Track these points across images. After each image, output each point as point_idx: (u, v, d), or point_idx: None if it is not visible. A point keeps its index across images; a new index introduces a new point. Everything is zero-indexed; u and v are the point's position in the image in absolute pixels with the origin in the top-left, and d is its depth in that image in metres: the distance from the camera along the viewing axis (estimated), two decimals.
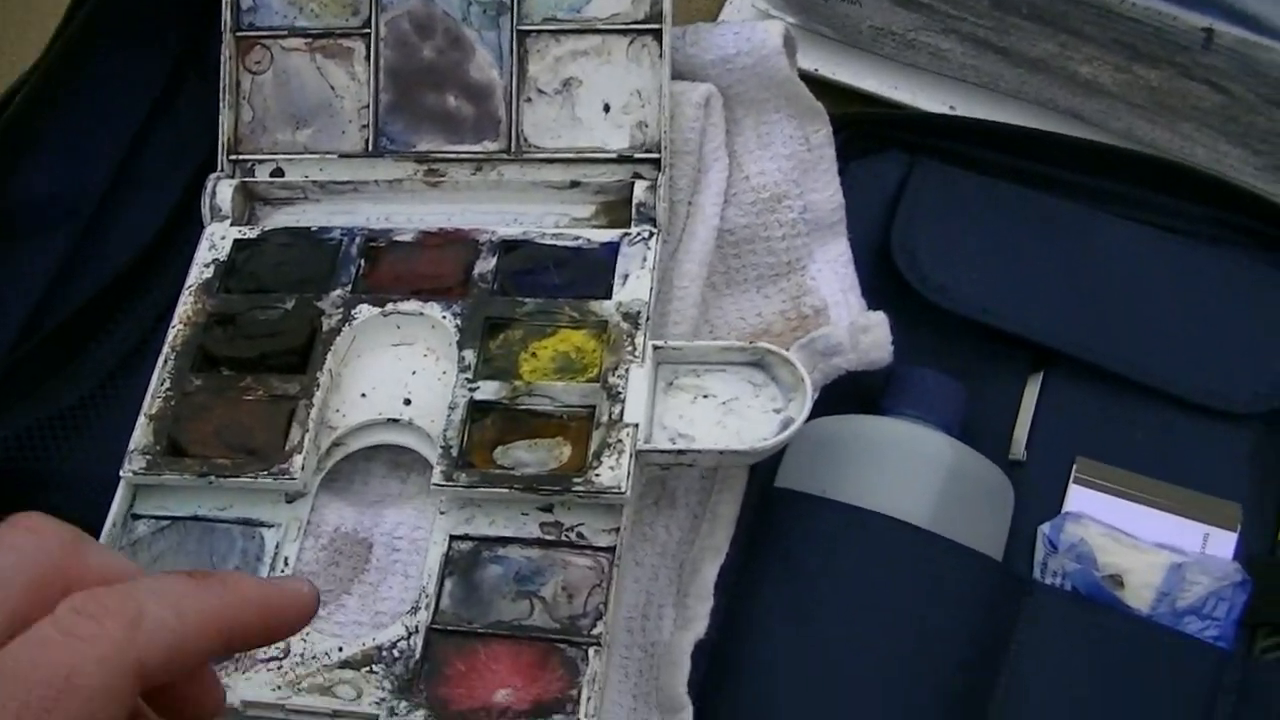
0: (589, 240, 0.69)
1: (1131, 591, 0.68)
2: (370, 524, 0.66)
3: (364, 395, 0.67)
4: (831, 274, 0.72)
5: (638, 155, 0.71)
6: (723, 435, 0.64)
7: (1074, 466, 0.72)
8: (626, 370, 0.65)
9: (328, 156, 0.73)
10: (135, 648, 0.43)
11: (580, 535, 0.63)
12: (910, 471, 0.68)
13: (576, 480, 0.62)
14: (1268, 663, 0.67)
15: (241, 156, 0.73)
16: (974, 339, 0.74)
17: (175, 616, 0.44)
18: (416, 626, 0.61)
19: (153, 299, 0.73)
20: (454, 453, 0.63)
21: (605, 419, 0.63)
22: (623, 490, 0.62)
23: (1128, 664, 0.66)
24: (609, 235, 0.69)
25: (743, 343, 0.65)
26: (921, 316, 0.74)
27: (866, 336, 0.69)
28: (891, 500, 0.66)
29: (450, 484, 0.63)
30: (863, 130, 0.78)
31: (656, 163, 0.70)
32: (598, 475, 0.62)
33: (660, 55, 0.70)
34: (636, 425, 0.63)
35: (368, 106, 0.73)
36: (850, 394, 0.70)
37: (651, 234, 0.69)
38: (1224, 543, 0.70)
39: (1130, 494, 0.71)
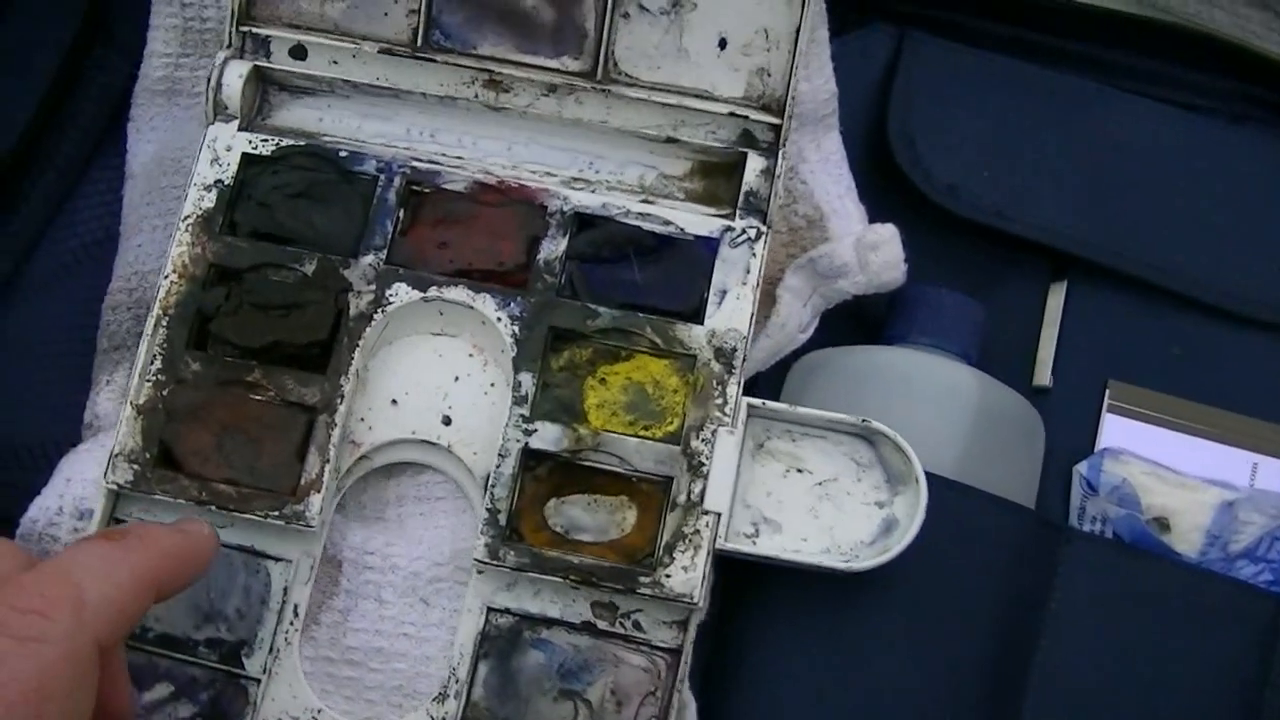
0: (681, 229, 0.56)
1: (1179, 535, 0.62)
2: (338, 536, 0.56)
3: (395, 403, 0.56)
4: (825, 175, 0.62)
5: (753, 113, 0.56)
6: (814, 529, 0.54)
7: (1106, 391, 0.65)
8: (714, 434, 0.54)
9: (364, 45, 0.58)
10: (89, 630, 0.44)
11: (638, 626, 0.54)
12: (929, 410, 0.60)
13: (643, 579, 0.53)
14: None
15: (255, 28, 0.58)
16: (986, 246, 0.67)
17: (113, 587, 0.46)
18: (443, 717, 0.54)
19: (22, 220, 0.62)
20: (501, 520, 0.54)
21: (683, 499, 0.54)
22: (695, 601, 0.53)
23: (1178, 616, 0.59)
24: (707, 225, 0.57)
25: (851, 417, 0.54)
26: (924, 220, 0.64)
27: (877, 255, 0.60)
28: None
29: (496, 563, 0.53)
30: None
31: (774, 128, 0.56)
32: (669, 576, 0.53)
33: None
34: (719, 516, 0.53)
35: None
36: (850, 317, 0.62)
37: (760, 234, 0.56)
38: (1275, 472, 0.64)
39: (1169, 420, 0.64)
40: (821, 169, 0.61)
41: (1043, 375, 0.65)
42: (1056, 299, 0.66)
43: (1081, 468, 0.63)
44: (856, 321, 0.63)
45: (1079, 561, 0.59)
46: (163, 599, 0.49)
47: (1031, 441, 0.62)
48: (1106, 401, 0.64)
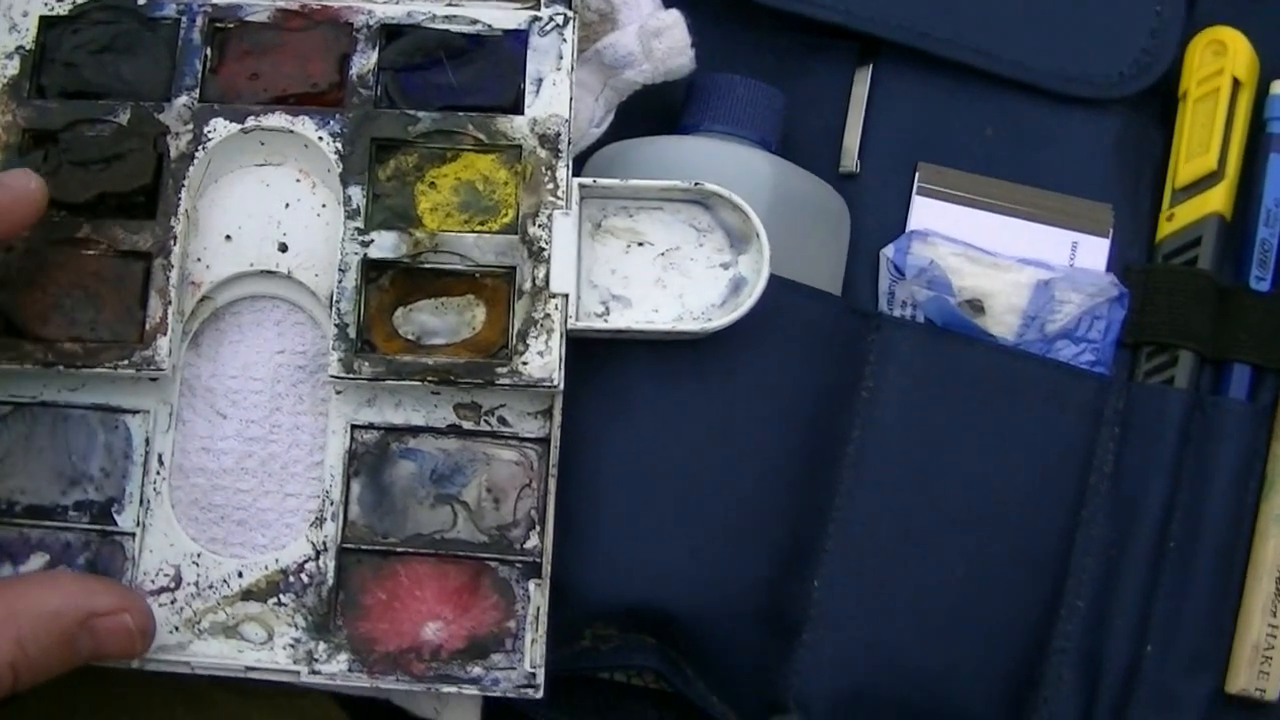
0: (489, 26, 0.56)
1: (994, 317, 0.61)
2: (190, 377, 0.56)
3: (229, 238, 0.56)
4: None
5: None
6: (664, 299, 0.55)
7: (915, 174, 0.63)
8: (550, 218, 0.54)
9: None
10: None
11: (503, 421, 0.54)
12: None
13: (501, 370, 0.53)
14: (1153, 387, 0.61)
15: None
16: (787, 33, 0.65)
17: None
18: (324, 543, 0.54)
19: None
20: (351, 332, 0.53)
21: (529, 285, 0.54)
22: (555, 384, 0.53)
23: (996, 401, 0.59)
24: (514, 19, 0.57)
25: (684, 182, 0.54)
26: (724, 11, 0.63)
27: (661, 41, 0.59)
28: None
29: (352, 376, 0.53)
30: None
31: None
32: (525, 364, 0.53)
33: None
34: (566, 296, 0.53)
35: None
36: (648, 109, 0.61)
37: (567, 19, 0.56)
38: (1095, 251, 0.63)
39: (984, 202, 0.63)
40: None
41: (849, 161, 0.63)
42: (862, 84, 0.64)
43: (888, 251, 0.62)
44: (658, 114, 0.62)
45: (887, 347, 0.59)
46: None
47: (836, 227, 0.61)
48: (916, 184, 0.63)
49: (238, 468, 0.55)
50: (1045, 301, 0.61)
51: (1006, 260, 0.62)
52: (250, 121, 0.55)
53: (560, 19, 0.56)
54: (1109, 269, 0.62)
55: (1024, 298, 0.61)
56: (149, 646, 0.52)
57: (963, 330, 0.61)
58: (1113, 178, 0.64)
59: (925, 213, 0.63)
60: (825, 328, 0.58)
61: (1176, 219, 0.63)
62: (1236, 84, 0.63)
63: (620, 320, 0.54)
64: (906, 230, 0.62)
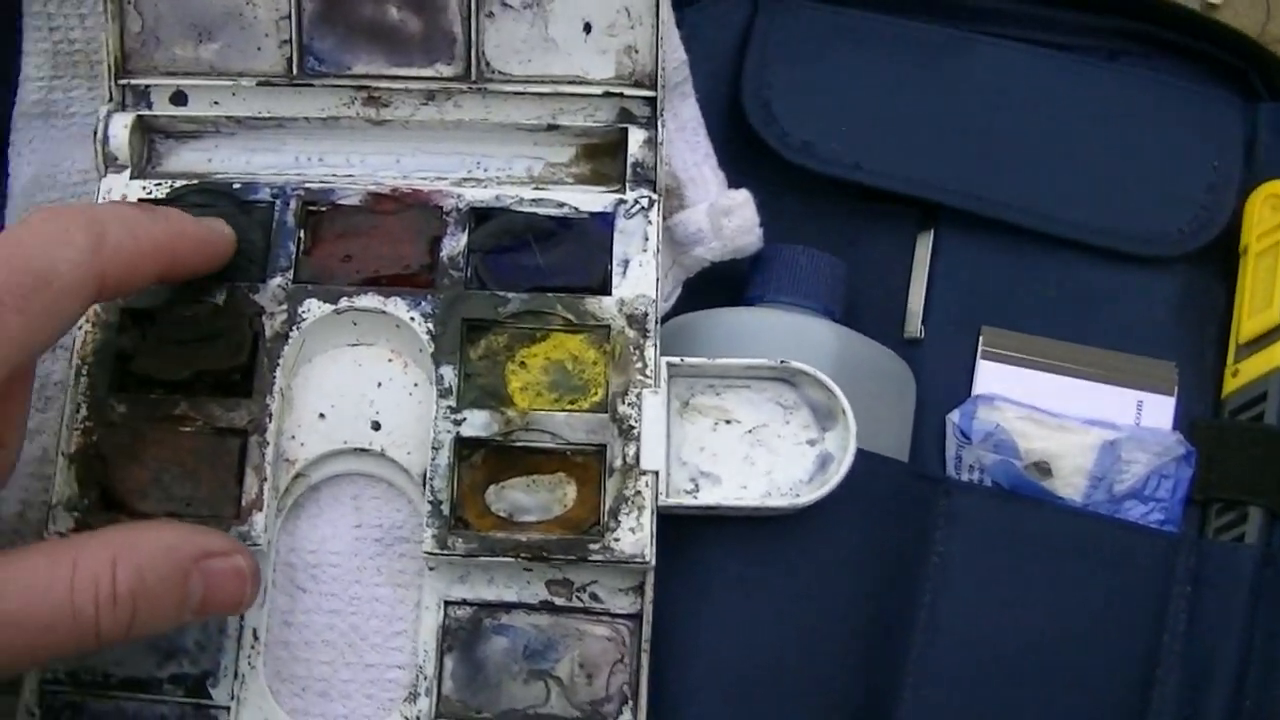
0: (576, 208, 0.58)
1: (1061, 479, 0.62)
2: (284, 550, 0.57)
3: (322, 416, 0.57)
4: (682, 144, 0.62)
5: (627, 90, 0.58)
6: (752, 476, 0.56)
7: (980, 338, 0.64)
8: (639, 397, 0.55)
9: (241, 81, 0.59)
10: (100, 260, 0.49)
11: (595, 597, 0.55)
12: None
13: (593, 546, 0.54)
14: (1223, 544, 0.61)
15: (133, 80, 0.59)
16: (850, 202, 0.66)
17: (132, 239, 0.50)
18: (418, 719, 0.54)
19: None
20: (445, 510, 0.54)
21: (619, 463, 0.55)
22: (647, 560, 0.54)
23: (1066, 562, 0.59)
24: (600, 201, 0.58)
25: (769, 360, 0.56)
26: (785, 181, 0.65)
27: (730, 220, 0.60)
28: None
29: (446, 553, 0.54)
30: None
31: (649, 101, 0.58)
32: (617, 540, 0.54)
33: None
34: (656, 473, 0.54)
35: (288, 16, 0.58)
36: (711, 279, 0.62)
37: (652, 201, 0.58)
38: (1161, 410, 0.63)
39: (1047, 364, 0.63)
40: (678, 137, 0.62)
41: (913, 326, 0.64)
42: (924, 249, 0.65)
43: (954, 416, 0.62)
44: (722, 285, 0.63)
45: (956, 511, 0.60)
46: (170, 279, 0.55)
47: (901, 394, 0.62)
48: (980, 348, 0.64)
49: (318, 640, 0.56)
50: (1112, 462, 0.61)
51: (1072, 422, 0.62)
52: (344, 302, 0.57)
53: (645, 201, 0.58)
54: (1175, 426, 0.63)
55: (1090, 459, 0.62)
56: (256, 597, 0.53)
57: (1030, 493, 0.61)
58: (1176, 334, 0.64)
59: (990, 376, 0.63)
60: (895, 494, 0.59)
61: (1241, 374, 0.64)
62: None
63: (709, 497, 0.55)
64: (972, 394, 0.63)
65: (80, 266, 0.48)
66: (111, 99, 0.59)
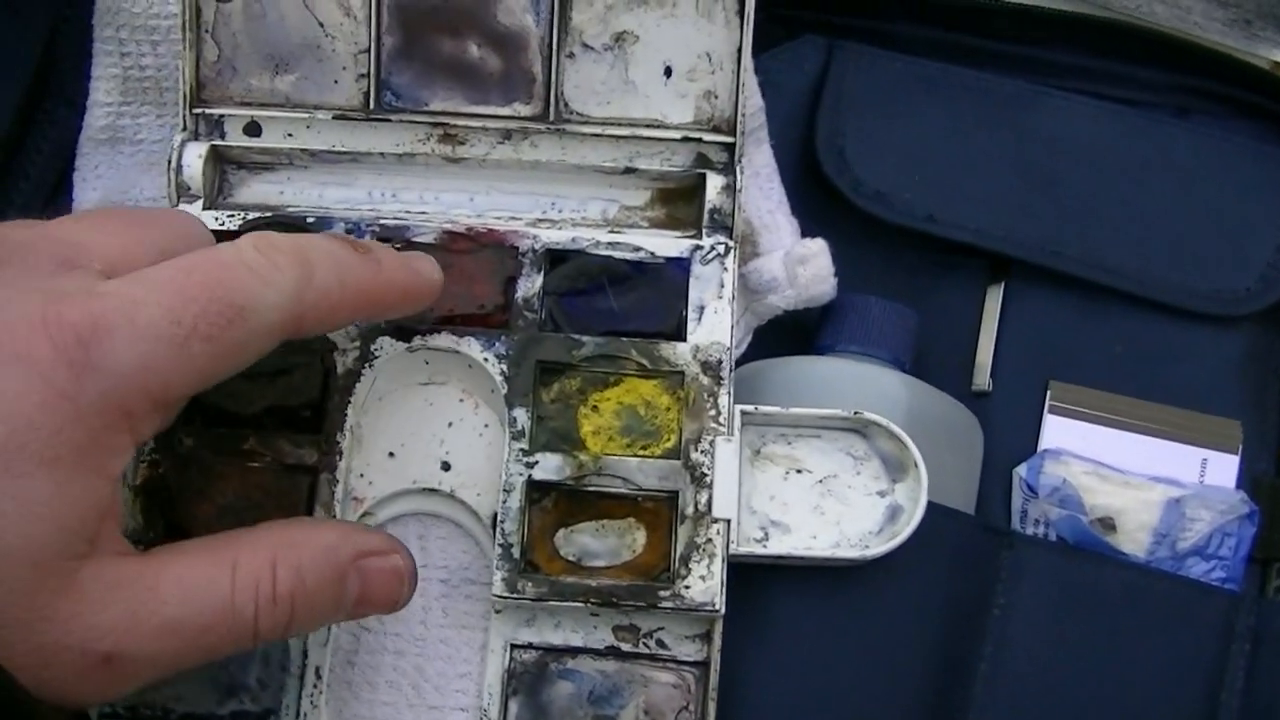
0: (652, 254, 0.58)
1: (1125, 535, 0.62)
2: None
3: (392, 455, 0.57)
4: (756, 191, 0.63)
5: (705, 136, 0.58)
6: (822, 526, 0.56)
7: (1048, 393, 0.64)
8: (712, 444, 0.55)
9: (317, 114, 0.59)
10: (301, 304, 0.46)
11: (661, 644, 0.55)
12: None
13: (663, 593, 0.54)
14: None
15: (208, 109, 0.59)
16: (919, 252, 0.67)
17: (338, 285, 0.48)
18: None
19: None
20: (515, 553, 0.54)
21: (691, 510, 0.54)
22: (717, 609, 0.53)
23: (1127, 618, 0.59)
24: (676, 247, 0.58)
25: (843, 411, 0.56)
26: (857, 230, 0.65)
27: (806, 269, 0.61)
28: None
29: (516, 596, 0.54)
30: (771, 13, 0.67)
31: (728, 147, 0.58)
32: (687, 588, 0.54)
33: (740, 8, 0.57)
34: (729, 522, 0.54)
35: (367, 51, 0.58)
36: (782, 327, 0.63)
37: (729, 249, 0.58)
38: (1225, 468, 0.63)
39: (1114, 419, 0.64)
40: (752, 184, 0.62)
41: (981, 379, 0.65)
42: (994, 301, 0.66)
43: (1021, 470, 0.63)
44: (791, 333, 0.63)
45: (1020, 565, 0.59)
46: (368, 319, 0.54)
47: (969, 446, 0.62)
48: (1048, 402, 0.64)
49: (381, 681, 0.56)
50: (1176, 519, 0.62)
51: (1137, 478, 0.63)
52: (416, 340, 0.57)
53: (722, 248, 0.58)
54: (1239, 484, 0.63)
55: (1155, 516, 0.62)
56: (411, 597, 0.52)
57: (1095, 548, 0.61)
58: (1241, 392, 0.65)
59: (1057, 430, 0.64)
60: (961, 547, 0.59)
61: None
62: None
63: (779, 546, 0.55)
64: (1039, 448, 0.63)
65: (280, 309, 0.46)
66: (185, 128, 0.59)
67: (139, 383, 0.44)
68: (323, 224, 0.58)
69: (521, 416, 0.56)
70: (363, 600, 0.50)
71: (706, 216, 0.58)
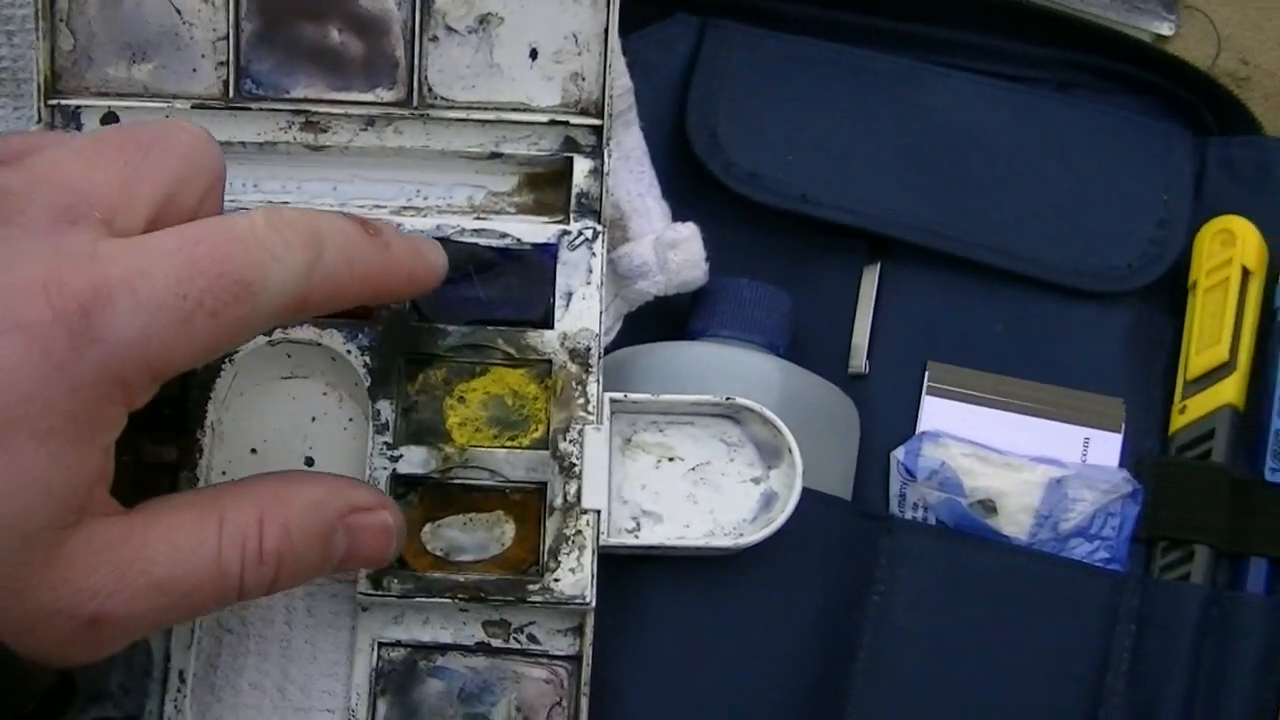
0: (519, 240, 0.57)
1: (1006, 517, 0.61)
2: None
3: (254, 451, 0.55)
4: (626, 174, 0.61)
5: (572, 119, 0.57)
6: (695, 515, 0.55)
7: (925, 374, 0.63)
8: (581, 434, 0.54)
9: (175, 104, 0.57)
10: (308, 284, 0.45)
11: (532, 639, 0.54)
12: None
13: (532, 586, 0.53)
14: (1169, 583, 0.61)
15: (64, 100, 0.57)
16: (796, 234, 0.65)
17: (347, 268, 0.46)
18: None
19: None
20: None
21: (560, 501, 0.53)
22: (587, 601, 0.52)
23: (1010, 601, 0.59)
24: (543, 233, 0.57)
25: (715, 397, 0.55)
26: (731, 213, 0.64)
27: (677, 254, 0.60)
28: None
29: (381, 594, 0.53)
30: None
31: (595, 129, 0.57)
32: (557, 580, 0.53)
33: None
34: (599, 513, 0.53)
35: (225, 38, 0.57)
36: (652, 313, 0.61)
37: (596, 234, 0.56)
38: (1108, 446, 0.63)
39: (994, 400, 0.63)
40: (622, 167, 0.61)
41: (858, 361, 0.64)
42: (870, 283, 0.64)
43: (899, 453, 0.62)
44: (662, 318, 0.62)
45: (899, 550, 0.59)
46: (372, 303, 0.53)
47: (845, 430, 0.61)
48: (926, 384, 0.63)
49: (245, 684, 0.55)
50: (1058, 500, 0.61)
51: (1018, 459, 0.62)
52: (278, 334, 0.55)
53: (590, 233, 0.56)
54: (1122, 463, 0.62)
55: (1036, 497, 0.61)
56: (398, 552, 0.51)
57: (975, 531, 0.61)
58: (1124, 371, 0.64)
59: (936, 412, 0.63)
60: (838, 533, 0.58)
61: (1189, 411, 0.63)
62: (1246, 273, 0.64)
63: (651, 536, 0.54)
64: (917, 430, 0.63)
65: (287, 289, 0.44)
66: (40, 119, 0.57)
67: (139, 355, 0.42)
68: None
69: (386, 409, 0.54)
70: (349, 557, 0.49)
71: (574, 201, 0.57)
